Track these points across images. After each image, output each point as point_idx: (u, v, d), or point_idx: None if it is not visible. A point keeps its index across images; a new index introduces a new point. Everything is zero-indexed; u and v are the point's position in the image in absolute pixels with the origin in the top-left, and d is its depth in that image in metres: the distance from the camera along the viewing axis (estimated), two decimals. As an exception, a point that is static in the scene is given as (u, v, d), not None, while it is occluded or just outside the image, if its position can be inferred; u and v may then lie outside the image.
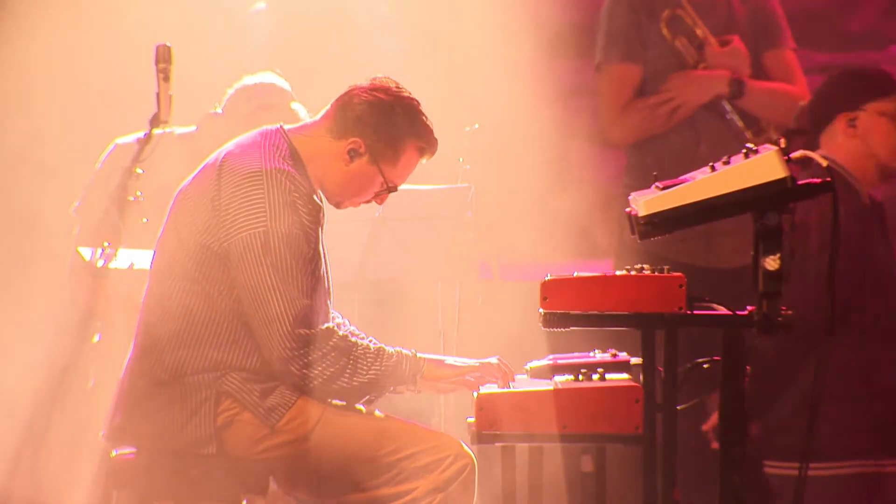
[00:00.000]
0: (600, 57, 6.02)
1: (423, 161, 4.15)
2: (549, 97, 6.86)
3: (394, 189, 4.14)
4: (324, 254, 4.09)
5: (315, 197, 4.04)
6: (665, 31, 5.96)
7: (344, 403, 4.02)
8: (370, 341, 4.24)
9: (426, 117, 4.11)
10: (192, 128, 5.82)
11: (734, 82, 5.94)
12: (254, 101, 5.66)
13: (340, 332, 3.97)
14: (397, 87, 4.11)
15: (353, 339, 3.98)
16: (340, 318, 4.31)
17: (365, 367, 3.96)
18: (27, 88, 6.62)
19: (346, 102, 4.10)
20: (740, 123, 5.98)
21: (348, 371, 3.94)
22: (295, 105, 5.66)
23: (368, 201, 4.18)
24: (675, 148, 5.95)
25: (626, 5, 5.96)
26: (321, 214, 4.06)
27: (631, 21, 5.95)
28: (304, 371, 3.91)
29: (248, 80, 5.73)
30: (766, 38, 6.05)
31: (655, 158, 5.93)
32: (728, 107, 5.97)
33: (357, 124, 4.07)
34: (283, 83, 5.72)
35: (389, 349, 4.01)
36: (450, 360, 4.10)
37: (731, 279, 5.76)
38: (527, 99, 6.83)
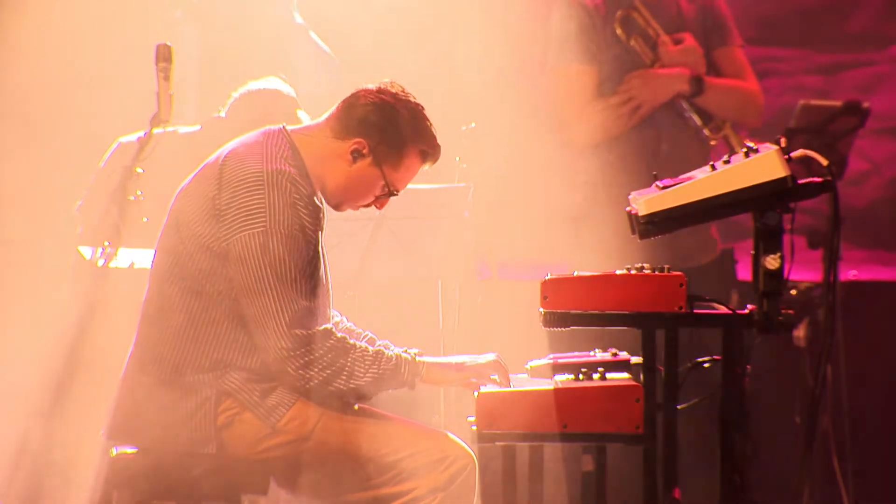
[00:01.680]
0: (555, 60, 6.00)
1: (426, 167, 4.15)
2: (548, 96, 6.85)
3: (395, 193, 4.13)
4: (323, 255, 4.09)
5: (315, 199, 4.04)
6: (619, 32, 5.96)
7: (344, 402, 4.02)
8: (367, 338, 4.24)
9: (431, 123, 4.11)
10: (197, 127, 5.82)
11: (694, 80, 5.96)
12: (258, 108, 5.63)
13: (339, 334, 3.96)
14: (403, 92, 4.11)
15: (352, 342, 3.97)
16: (339, 316, 4.31)
17: (362, 370, 3.95)
18: (29, 87, 6.61)
19: (351, 104, 4.10)
20: (698, 121, 6.00)
21: (345, 373, 3.94)
22: (300, 113, 5.65)
23: (368, 205, 4.16)
24: (637, 146, 5.95)
25: (579, 7, 5.96)
26: (321, 216, 4.06)
27: (585, 23, 5.95)
28: (301, 372, 3.91)
29: (253, 85, 5.71)
30: (716, 36, 6.07)
31: (618, 156, 5.94)
32: (685, 105, 5.99)
33: (362, 125, 4.06)
34: (289, 89, 5.70)
35: (388, 352, 4.00)
36: (449, 360, 4.09)
37: (694, 277, 5.77)
38: (524, 97, 6.83)
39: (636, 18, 5.96)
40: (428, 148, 4.10)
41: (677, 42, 5.99)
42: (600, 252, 5.67)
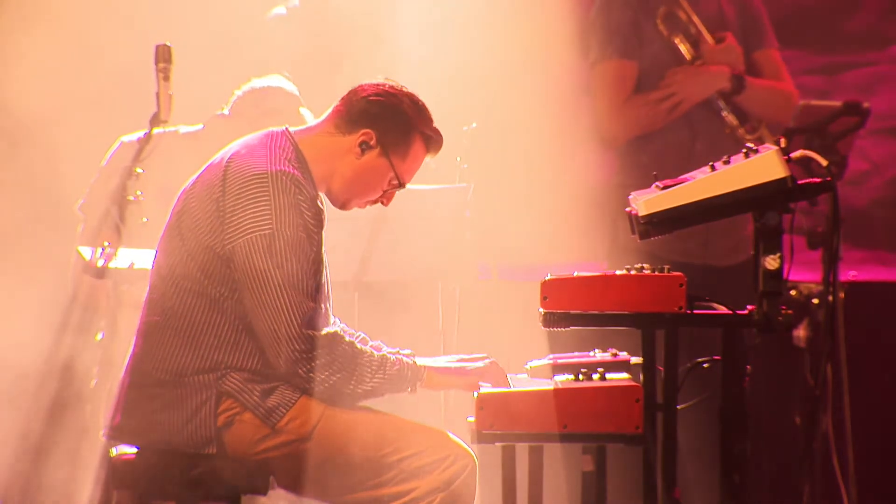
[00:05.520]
0: (596, 54, 6.01)
1: (428, 158, 4.16)
2: (548, 96, 6.86)
3: (402, 185, 4.14)
4: (324, 258, 4.09)
5: (318, 201, 4.04)
6: (661, 28, 5.96)
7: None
8: (360, 339, 4.25)
9: (430, 112, 4.13)
10: (198, 126, 5.82)
11: (735, 78, 5.96)
12: (261, 105, 5.65)
13: (347, 338, 3.97)
14: (401, 85, 4.14)
15: (360, 347, 3.98)
16: (333, 319, 4.31)
17: (369, 376, 3.97)
18: (30, 86, 6.61)
19: (352, 99, 4.12)
20: (734, 121, 5.99)
21: (354, 379, 3.95)
22: (303, 110, 5.66)
23: (375, 201, 4.17)
24: (672, 145, 5.95)
25: (622, 2, 5.97)
26: (323, 218, 4.06)
27: (628, 17, 5.96)
28: (312, 374, 3.92)
29: (256, 82, 5.72)
30: (754, 37, 6.08)
31: (652, 156, 5.93)
32: (722, 103, 5.99)
33: (366, 116, 4.08)
34: (292, 87, 5.71)
35: (392, 357, 4.01)
36: (447, 364, 4.09)
37: (729, 277, 5.78)
38: (524, 97, 6.83)
39: (679, 14, 5.96)
40: (431, 133, 4.13)
41: (718, 40, 6.00)
42: (633, 252, 5.64)
